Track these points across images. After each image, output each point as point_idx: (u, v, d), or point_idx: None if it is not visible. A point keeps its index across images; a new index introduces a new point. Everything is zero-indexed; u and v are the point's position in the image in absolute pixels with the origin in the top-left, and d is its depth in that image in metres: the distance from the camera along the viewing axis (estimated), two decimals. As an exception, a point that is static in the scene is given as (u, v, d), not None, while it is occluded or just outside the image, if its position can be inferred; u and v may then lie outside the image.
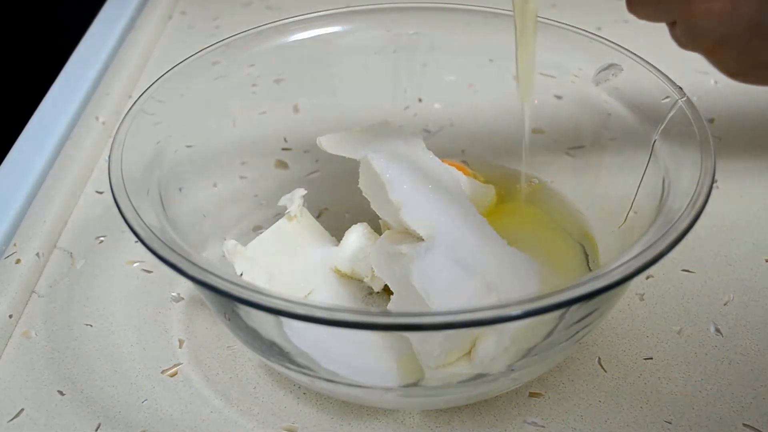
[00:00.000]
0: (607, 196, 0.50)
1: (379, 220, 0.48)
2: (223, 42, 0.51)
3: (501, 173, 0.54)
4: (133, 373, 0.46)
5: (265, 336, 0.42)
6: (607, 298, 0.40)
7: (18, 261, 0.51)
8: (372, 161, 0.45)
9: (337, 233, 0.49)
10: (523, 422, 0.43)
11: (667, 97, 0.45)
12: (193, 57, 0.50)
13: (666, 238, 0.36)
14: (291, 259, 0.47)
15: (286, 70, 0.55)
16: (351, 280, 0.48)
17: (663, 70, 0.46)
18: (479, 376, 0.40)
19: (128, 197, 0.40)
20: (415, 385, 0.41)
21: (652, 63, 0.47)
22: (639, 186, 0.45)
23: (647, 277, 0.50)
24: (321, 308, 0.34)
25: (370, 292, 0.48)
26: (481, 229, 0.44)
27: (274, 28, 0.53)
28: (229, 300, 0.39)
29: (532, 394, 0.44)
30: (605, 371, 0.45)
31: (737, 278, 0.50)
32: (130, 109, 0.45)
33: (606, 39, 0.48)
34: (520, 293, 0.41)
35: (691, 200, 0.38)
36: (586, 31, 0.50)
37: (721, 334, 0.47)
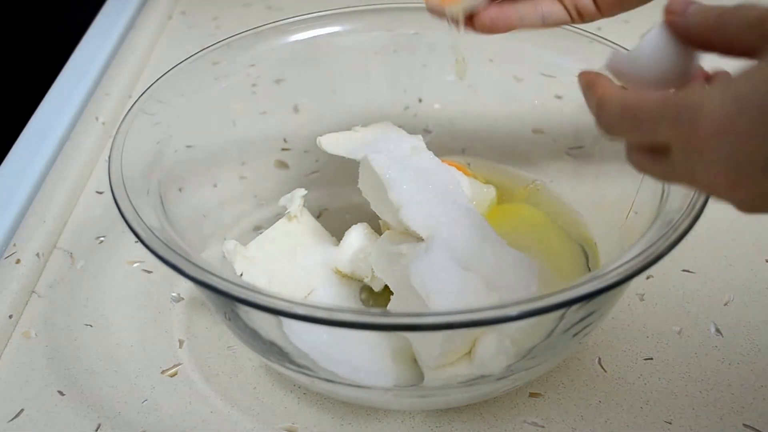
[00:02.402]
0: (607, 197, 0.50)
1: (379, 221, 0.48)
2: (223, 42, 0.51)
3: (501, 173, 0.55)
4: (133, 373, 0.46)
5: (265, 336, 0.42)
6: (606, 299, 0.40)
7: (18, 261, 0.51)
8: (372, 161, 0.45)
9: (337, 233, 0.49)
10: (523, 422, 0.43)
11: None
12: (193, 57, 0.50)
13: (666, 239, 0.36)
14: (291, 259, 0.47)
15: (286, 70, 0.55)
16: (351, 280, 0.48)
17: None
18: (479, 377, 0.40)
19: (128, 197, 0.40)
20: (415, 385, 0.41)
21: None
22: (639, 186, 0.45)
23: (647, 277, 0.50)
24: (321, 308, 0.34)
25: (370, 292, 0.48)
26: (481, 230, 0.44)
27: (274, 28, 0.53)
28: (229, 300, 0.39)
29: (532, 394, 0.44)
30: (605, 371, 0.45)
31: (737, 278, 0.50)
32: (130, 109, 0.45)
33: (606, 39, 0.48)
34: (519, 294, 0.41)
35: (691, 200, 0.38)
36: (586, 31, 0.50)
37: (721, 334, 0.47)
